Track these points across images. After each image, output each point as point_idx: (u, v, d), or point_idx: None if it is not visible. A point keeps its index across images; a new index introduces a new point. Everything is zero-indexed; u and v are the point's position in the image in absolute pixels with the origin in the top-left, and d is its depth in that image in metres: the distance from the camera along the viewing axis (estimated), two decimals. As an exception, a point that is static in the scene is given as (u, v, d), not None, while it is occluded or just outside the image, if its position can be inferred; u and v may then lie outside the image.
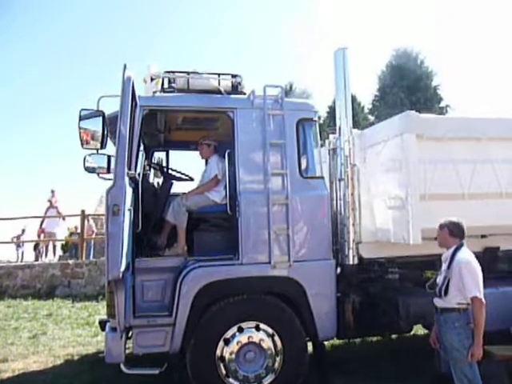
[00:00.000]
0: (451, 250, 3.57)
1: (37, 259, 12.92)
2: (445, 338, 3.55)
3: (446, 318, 3.52)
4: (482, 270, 3.48)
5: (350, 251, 4.43)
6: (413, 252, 4.48)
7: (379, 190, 4.69)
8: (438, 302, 3.59)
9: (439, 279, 3.63)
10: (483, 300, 3.38)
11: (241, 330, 3.99)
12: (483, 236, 4.60)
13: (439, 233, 3.67)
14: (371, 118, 23.64)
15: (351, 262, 4.43)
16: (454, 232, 3.58)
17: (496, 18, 42.13)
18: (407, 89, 22.53)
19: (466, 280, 3.39)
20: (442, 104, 23.71)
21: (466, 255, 3.52)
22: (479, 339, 3.36)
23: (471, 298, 3.37)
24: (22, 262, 13.05)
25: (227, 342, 3.96)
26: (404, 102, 21.34)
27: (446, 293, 3.48)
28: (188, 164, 6.12)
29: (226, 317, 3.99)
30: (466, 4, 42.97)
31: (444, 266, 3.63)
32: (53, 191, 12.71)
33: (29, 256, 14.66)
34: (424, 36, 40.29)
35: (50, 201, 12.49)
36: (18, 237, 15.26)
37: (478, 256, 4.56)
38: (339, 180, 4.58)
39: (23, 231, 15.29)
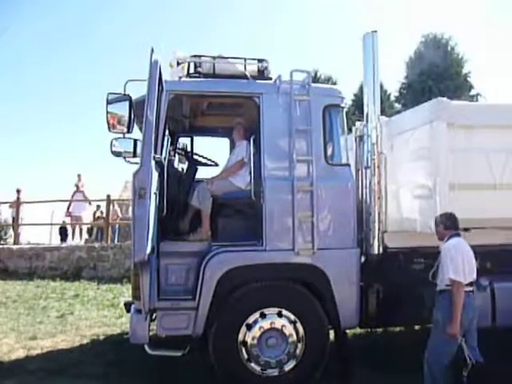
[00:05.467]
0: (445, 240, 3.81)
1: (62, 241, 13.21)
2: (434, 313, 3.79)
3: (439, 298, 3.78)
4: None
5: (375, 240, 4.38)
6: (438, 242, 4.39)
7: (406, 178, 4.60)
8: (436, 286, 3.83)
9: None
10: (460, 280, 3.56)
11: (263, 315, 4.00)
12: (514, 228, 4.47)
13: (436, 230, 3.92)
14: (397, 106, 23.14)
15: (376, 252, 4.38)
16: (447, 225, 3.82)
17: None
18: (436, 76, 21.92)
19: (446, 263, 3.65)
20: (473, 92, 23.00)
21: (452, 242, 3.73)
22: (455, 317, 3.53)
23: (448, 278, 3.61)
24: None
25: (249, 327, 3.98)
26: (432, 89, 20.77)
27: (433, 276, 3.81)
28: (212, 150, 6.12)
29: (248, 302, 4.01)
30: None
31: None
32: (79, 175, 12.98)
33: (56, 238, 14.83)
34: (456, 21, 38.91)
35: (76, 185, 12.76)
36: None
37: (506, 248, 4.49)
38: (365, 168, 4.50)
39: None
